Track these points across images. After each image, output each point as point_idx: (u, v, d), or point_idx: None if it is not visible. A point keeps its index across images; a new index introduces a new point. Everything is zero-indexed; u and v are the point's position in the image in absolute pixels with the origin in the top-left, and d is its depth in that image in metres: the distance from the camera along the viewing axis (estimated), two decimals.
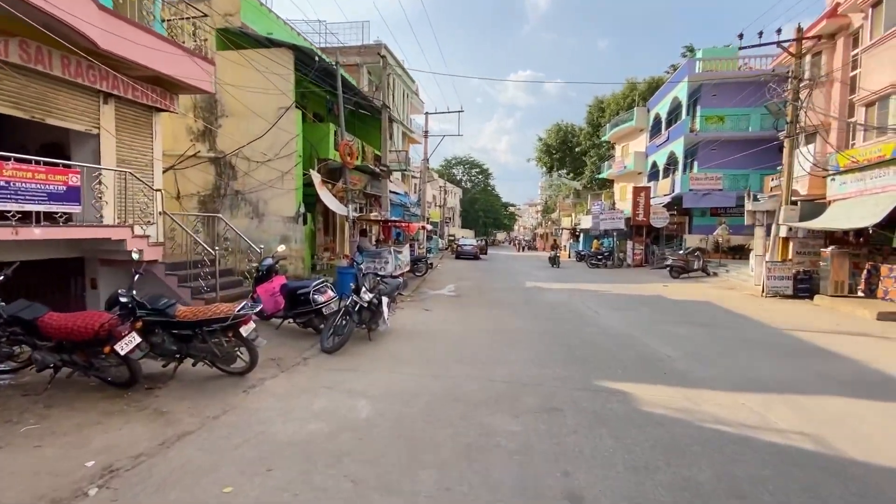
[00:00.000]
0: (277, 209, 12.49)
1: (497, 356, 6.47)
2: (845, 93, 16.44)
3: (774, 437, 4.01)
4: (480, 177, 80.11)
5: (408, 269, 13.66)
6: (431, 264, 21.03)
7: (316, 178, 12.37)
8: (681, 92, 25.66)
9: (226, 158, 12.64)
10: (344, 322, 6.53)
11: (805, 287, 12.63)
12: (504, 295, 13.27)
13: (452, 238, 45.93)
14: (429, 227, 21.72)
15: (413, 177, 38.43)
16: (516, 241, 68.38)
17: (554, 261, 24.38)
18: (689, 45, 40.35)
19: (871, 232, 10.46)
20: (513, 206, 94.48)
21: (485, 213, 76.54)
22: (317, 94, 15.67)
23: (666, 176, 28.55)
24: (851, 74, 16.40)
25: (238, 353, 5.28)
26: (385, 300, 7.22)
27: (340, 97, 11.91)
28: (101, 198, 7.13)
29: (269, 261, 7.99)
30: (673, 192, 25.90)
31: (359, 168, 14.41)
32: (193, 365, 5.28)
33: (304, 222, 12.29)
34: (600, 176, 40.13)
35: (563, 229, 46.04)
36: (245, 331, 5.09)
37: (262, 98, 12.20)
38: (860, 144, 14.29)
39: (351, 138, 15.21)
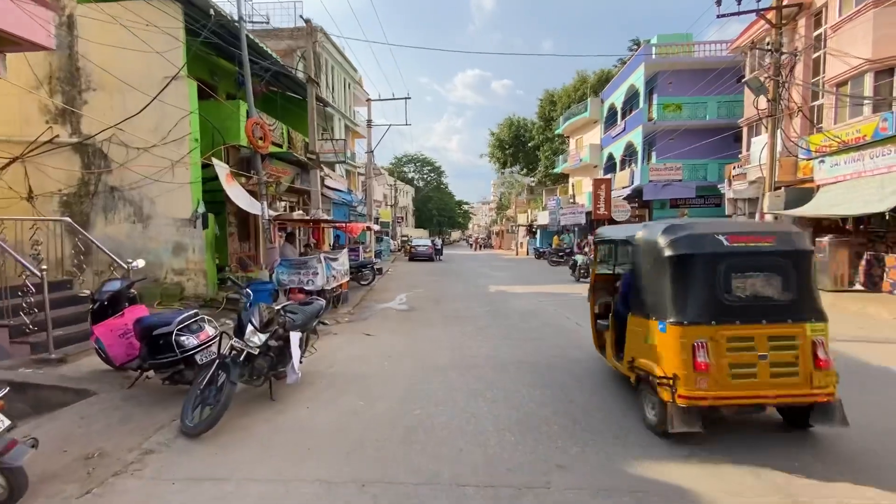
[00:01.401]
0: (168, 210, 9.60)
1: (465, 421, 4.22)
2: (807, 74, 15.66)
3: None
4: (433, 175, 78.04)
5: (347, 279, 11.15)
6: (380, 270, 18.54)
7: (220, 168, 9.61)
8: (637, 79, 24.67)
9: (95, 144, 9.59)
10: (219, 382, 4.04)
11: None
12: (466, 305, 11.09)
13: (406, 239, 43.41)
14: (375, 227, 19.16)
15: (359, 174, 35.64)
16: (474, 240, 66.58)
17: (577, 270, 17.05)
18: (636, 38, 40.23)
19: (886, 216, 9.24)
20: (467, 203, 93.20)
21: (439, 212, 74.54)
22: (228, 71, 12.79)
23: (623, 168, 27.63)
24: (815, 56, 15.67)
25: None
26: (296, 337, 4.78)
27: (245, 61, 9.21)
28: None
29: (116, 284, 5.29)
30: (632, 183, 24.90)
31: (281, 157, 11.73)
32: None
33: (205, 225, 9.50)
34: (555, 170, 39.13)
35: (519, 226, 44.77)
36: None
37: (141, 65, 9.29)
38: (836, 126, 13.37)
39: (273, 122, 12.48)
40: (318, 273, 9.03)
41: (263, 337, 4.29)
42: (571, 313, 9.70)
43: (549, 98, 43.61)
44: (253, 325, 4.25)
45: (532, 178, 49.70)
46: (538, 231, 38.35)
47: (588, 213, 23.66)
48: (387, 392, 4.96)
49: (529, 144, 45.38)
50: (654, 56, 23.78)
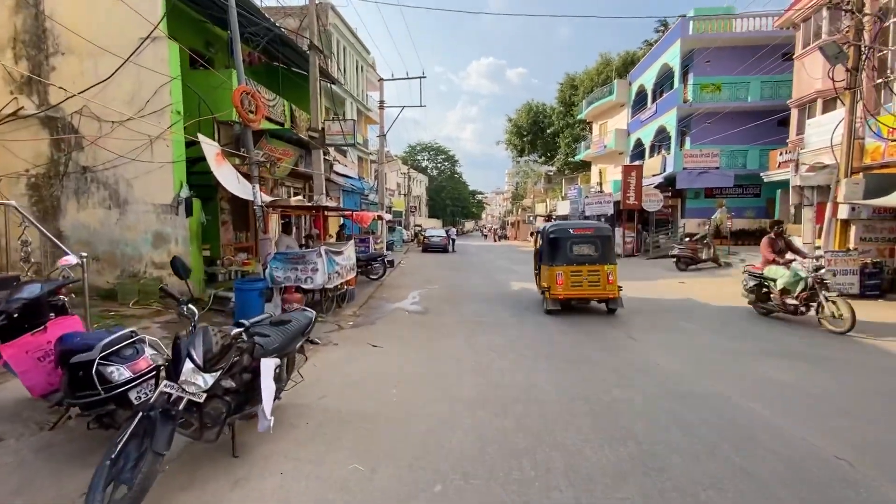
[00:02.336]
0: (147, 194, 8.33)
1: None
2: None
3: None
4: (447, 164, 76.35)
5: (354, 274, 9.80)
6: (391, 263, 17.20)
7: (207, 145, 8.27)
8: (671, 57, 22.67)
9: (64, 118, 8.32)
10: (141, 448, 2.68)
11: (874, 284, 9.73)
12: (489, 307, 9.67)
13: (419, 229, 42.01)
14: (387, 216, 17.78)
15: (372, 161, 34.22)
16: (490, 230, 64.44)
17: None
18: (663, 19, 37.75)
19: None
20: (481, 193, 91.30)
21: (452, 202, 73.03)
22: (226, 43, 11.43)
23: (653, 154, 25.73)
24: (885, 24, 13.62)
25: None
26: (269, 367, 3.41)
27: (233, 16, 7.78)
28: None
29: (34, 289, 3.96)
30: (664, 171, 23.06)
31: (282, 136, 10.36)
32: None
33: (189, 212, 8.20)
34: (577, 158, 37.16)
35: (536, 216, 42.99)
36: None
37: (115, 25, 7.97)
38: None
39: (273, 97, 11.11)
40: (317, 269, 7.68)
41: (210, 379, 2.91)
42: (618, 320, 8.21)
43: (569, 82, 41.49)
44: (193, 360, 2.87)
45: (551, 167, 47.75)
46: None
47: (616, 203, 21.90)
48: (395, 446, 3.58)
49: (549, 131, 43.39)
50: (690, 32, 21.72)
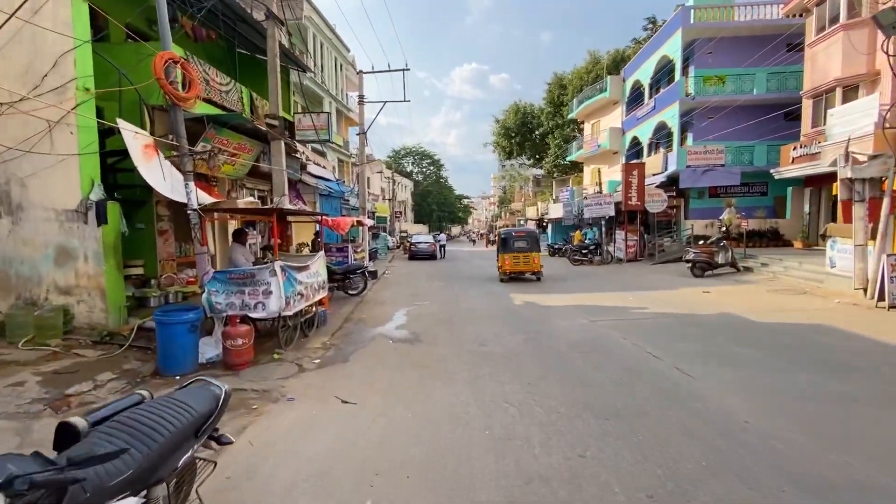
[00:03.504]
0: (46, 196, 6.37)
1: None
2: None
3: None
4: (432, 168, 74.78)
5: (324, 294, 7.95)
6: (374, 274, 15.34)
7: (129, 133, 6.35)
8: (672, 49, 21.36)
9: None
10: None
11: None
12: (491, 329, 7.89)
13: (405, 235, 40.11)
14: (369, 221, 15.91)
15: (354, 164, 32.32)
16: (481, 235, 62.39)
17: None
18: (651, 16, 36.80)
19: None
20: (467, 198, 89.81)
21: (439, 207, 71.30)
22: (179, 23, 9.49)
23: (651, 153, 24.38)
24: None
25: None
26: None
27: None
28: None
29: None
30: (665, 170, 21.65)
31: (237, 127, 8.47)
32: None
33: (102, 220, 6.27)
34: (568, 159, 35.78)
35: (527, 220, 41.55)
36: None
37: None
38: None
39: (227, 81, 9.26)
40: (271, 292, 5.83)
41: None
42: (655, 346, 6.51)
43: (558, 82, 40.26)
44: None
45: (540, 169, 46.41)
46: (549, 225, 35.13)
47: (617, 204, 20.39)
48: None
49: (538, 132, 42.02)
50: (691, 21, 20.45)
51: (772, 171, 18.71)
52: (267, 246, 7.78)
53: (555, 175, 42.26)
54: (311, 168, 16.56)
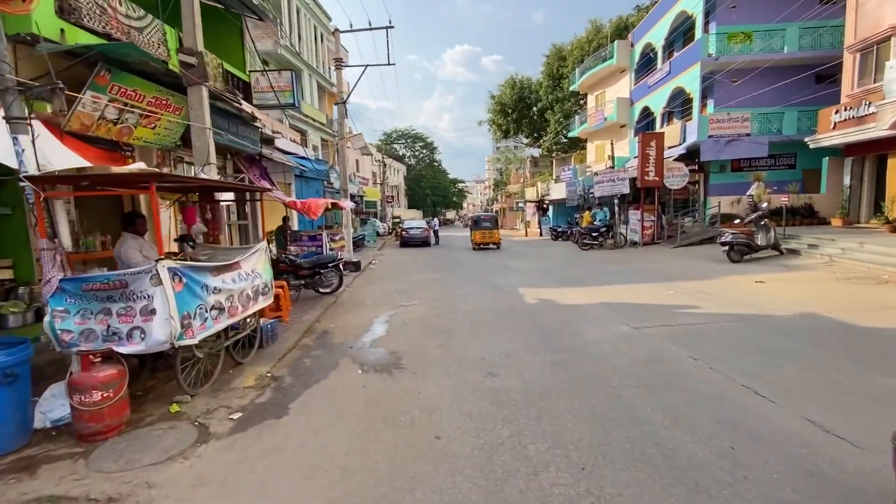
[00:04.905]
0: None
1: None
2: None
3: None
4: (425, 151, 71.99)
5: (266, 302, 5.72)
6: (356, 266, 13.10)
7: None
8: (691, 2, 18.86)
9: None
10: None
11: None
12: (503, 342, 5.71)
13: (397, 220, 37.72)
14: (347, 204, 13.57)
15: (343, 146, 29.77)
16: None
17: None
18: None
19: None
20: (461, 182, 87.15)
21: (432, 191, 68.82)
22: None
23: (665, 124, 22.07)
24: None
25: None
26: None
27: None
28: None
29: None
30: (683, 141, 19.39)
31: (144, 71, 6.10)
32: None
33: None
34: (571, 134, 33.34)
35: (526, 202, 39.28)
36: None
37: None
38: None
39: (141, 14, 6.86)
40: (154, 310, 3.60)
41: None
42: (746, 373, 4.36)
43: (556, 53, 37.57)
44: None
45: (538, 149, 43.91)
46: (550, 207, 32.89)
47: (632, 180, 18.16)
48: None
49: (536, 108, 39.42)
50: None
51: (807, 139, 16.53)
52: (184, 237, 5.52)
53: (555, 153, 39.86)
54: (281, 143, 14.18)
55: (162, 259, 3.77)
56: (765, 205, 13.32)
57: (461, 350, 5.60)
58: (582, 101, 35.54)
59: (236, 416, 3.89)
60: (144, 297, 3.63)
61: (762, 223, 12.32)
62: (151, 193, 3.78)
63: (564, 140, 38.16)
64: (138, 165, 4.75)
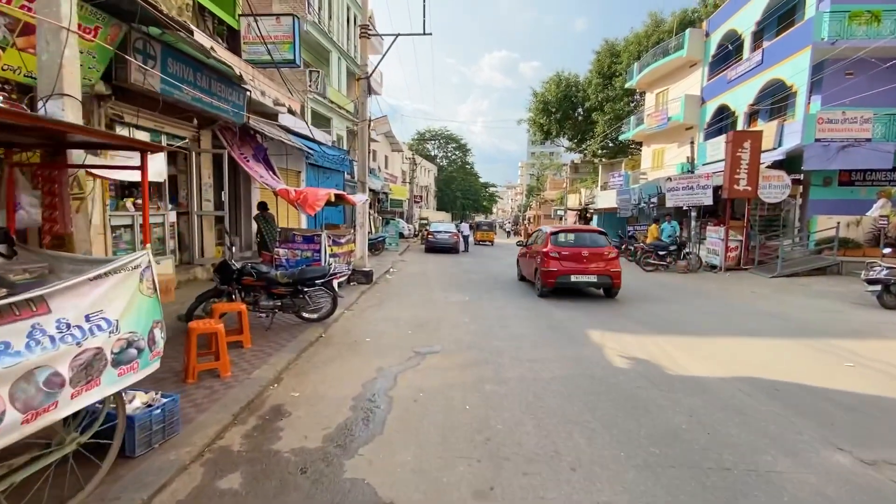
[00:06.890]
0: None
1: None
2: None
3: None
4: (458, 153, 69.14)
5: (136, 376, 2.85)
6: (369, 276, 10.26)
7: None
8: None
9: None
10: None
11: None
12: (605, 480, 2.71)
13: (425, 222, 34.86)
14: (360, 198, 10.70)
15: (374, 139, 27.26)
16: (517, 225, 56.12)
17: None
18: None
19: None
20: (493, 186, 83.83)
21: (463, 194, 65.88)
22: None
23: (747, 125, 18.39)
24: None
25: None
26: None
27: None
28: None
29: None
30: (779, 145, 15.76)
31: None
32: None
33: None
34: (625, 136, 29.74)
35: (567, 209, 35.82)
36: None
37: None
38: None
39: None
40: None
41: None
42: None
43: (608, 50, 34.00)
44: None
45: (581, 153, 40.31)
46: (595, 216, 29.40)
47: (717, 189, 14.69)
48: None
49: (583, 107, 35.89)
50: None
51: None
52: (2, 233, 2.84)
53: (600, 158, 36.27)
54: (287, 121, 11.52)
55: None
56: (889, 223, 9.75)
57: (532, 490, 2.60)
58: (635, 102, 31.94)
59: None
60: None
61: None
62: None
63: (612, 144, 34.58)
64: None
